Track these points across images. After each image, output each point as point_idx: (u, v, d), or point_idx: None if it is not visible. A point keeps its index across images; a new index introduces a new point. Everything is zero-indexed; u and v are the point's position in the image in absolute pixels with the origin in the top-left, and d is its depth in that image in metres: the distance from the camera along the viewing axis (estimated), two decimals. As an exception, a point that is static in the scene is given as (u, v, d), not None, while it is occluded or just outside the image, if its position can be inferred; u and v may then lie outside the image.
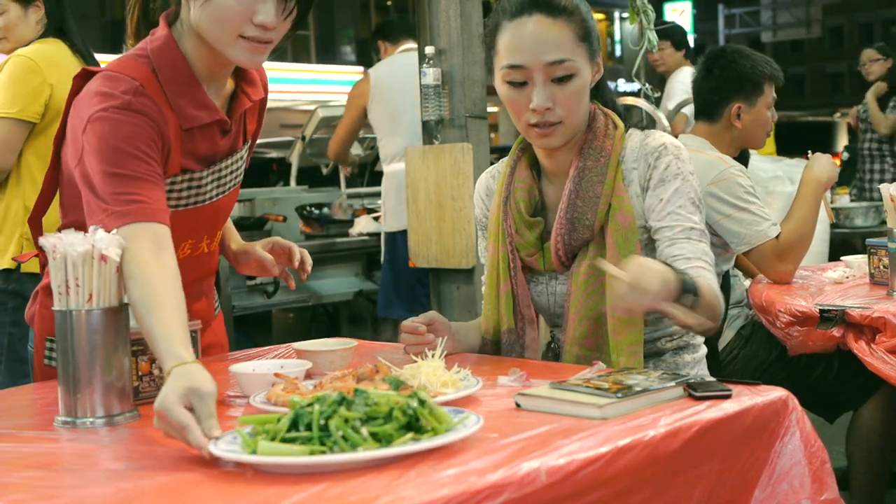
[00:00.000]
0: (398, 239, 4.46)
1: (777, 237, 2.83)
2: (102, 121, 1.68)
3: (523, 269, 1.97)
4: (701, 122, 3.13)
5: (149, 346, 1.54)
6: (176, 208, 1.80)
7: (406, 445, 1.19)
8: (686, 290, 1.67)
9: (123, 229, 1.59)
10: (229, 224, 2.13)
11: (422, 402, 1.24)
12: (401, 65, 4.63)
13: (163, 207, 1.68)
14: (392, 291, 4.62)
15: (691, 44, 6.48)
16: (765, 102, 3.06)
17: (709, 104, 3.09)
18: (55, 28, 3.14)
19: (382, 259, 4.73)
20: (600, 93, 2.00)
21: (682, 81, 5.58)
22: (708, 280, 1.79)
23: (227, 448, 1.22)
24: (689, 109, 4.68)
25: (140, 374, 1.62)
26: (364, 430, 1.19)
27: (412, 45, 4.64)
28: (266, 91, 1.98)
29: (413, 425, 1.23)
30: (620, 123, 1.95)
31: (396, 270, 4.54)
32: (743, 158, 3.24)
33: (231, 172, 1.92)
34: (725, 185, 2.85)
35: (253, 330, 5.63)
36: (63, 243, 1.48)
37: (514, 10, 1.86)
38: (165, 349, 1.44)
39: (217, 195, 1.90)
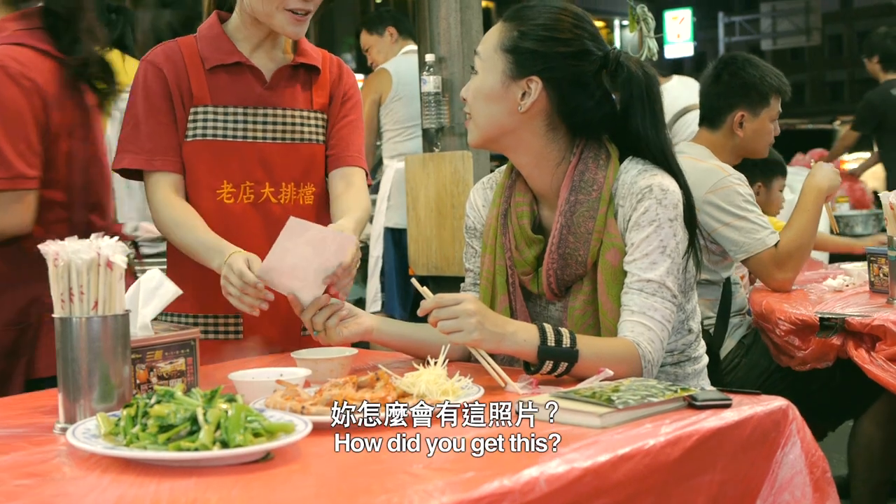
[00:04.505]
0: (403, 236, 4.33)
1: (776, 245, 2.83)
2: (136, 82, 2.16)
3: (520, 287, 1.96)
4: (704, 129, 3.14)
5: (146, 355, 1.64)
6: (204, 137, 2.13)
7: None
8: (549, 358, 1.69)
9: (154, 176, 2.13)
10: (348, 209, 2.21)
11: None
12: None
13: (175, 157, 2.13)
14: (399, 293, 4.42)
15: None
16: (769, 114, 3.06)
17: (713, 110, 3.10)
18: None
19: (381, 260, 4.50)
20: (632, 133, 1.90)
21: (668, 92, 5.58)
22: (634, 337, 1.77)
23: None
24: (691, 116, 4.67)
25: (138, 382, 1.62)
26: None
27: (413, 46, 4.59)
28: (337, 75, 2.27)
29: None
30: (615, 153, 1.90)
31: (402, 269, 4.38)
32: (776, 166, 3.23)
33: (283, 123, 2.19)
34: (724, 193, 2.85)
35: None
36: (66, 251, 1.47)
37: None
38: (213, 249, 1.99)
39: (259, 138, 2.16)
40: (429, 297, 1.72)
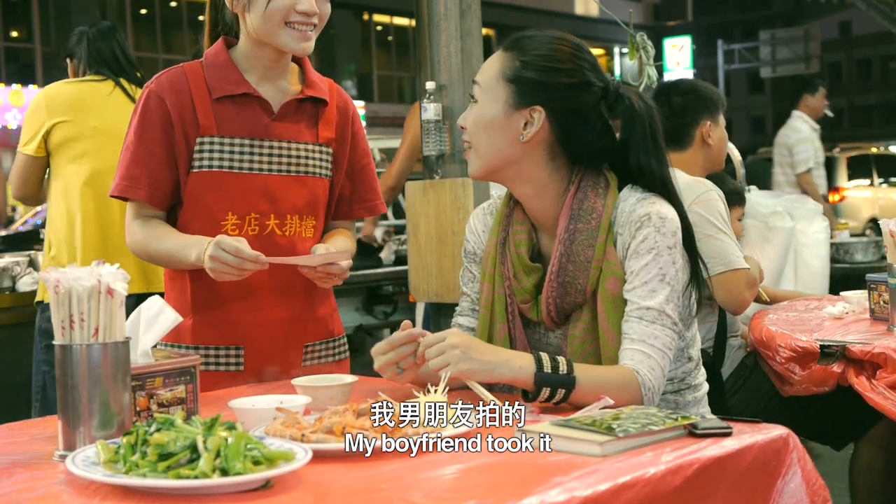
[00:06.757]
0: None
1: (748, 270, 2.90)
2: (136, 108, 2.16)
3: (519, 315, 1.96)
4: (671, 151, 3.16)
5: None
6: (210, 168, 2.12)
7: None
8: (546, 385, 1.69)
9: (134, 203, 2.15)
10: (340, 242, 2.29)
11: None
12: None
13: (161, 189, 2.14)
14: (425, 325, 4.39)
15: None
16: (722, 122, 3.18)
17: (677, 129, 3.13)
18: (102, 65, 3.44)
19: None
20: (635, 161, 1.89)
21: None
22: (633, 365, 1.76)
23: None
24: None
25: (138, 409, 1.62)
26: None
27: None
28: (343, 110, 2.28)
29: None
30: (614, 182, 1.90)
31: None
32: None
33: (289, 156, 2.18)
34: (707, 206, 2.87)
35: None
36: (67, 278, 1.47)
37: None
38: (190, 244, 2.04)
39: (265, 170, 2.16)
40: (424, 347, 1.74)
